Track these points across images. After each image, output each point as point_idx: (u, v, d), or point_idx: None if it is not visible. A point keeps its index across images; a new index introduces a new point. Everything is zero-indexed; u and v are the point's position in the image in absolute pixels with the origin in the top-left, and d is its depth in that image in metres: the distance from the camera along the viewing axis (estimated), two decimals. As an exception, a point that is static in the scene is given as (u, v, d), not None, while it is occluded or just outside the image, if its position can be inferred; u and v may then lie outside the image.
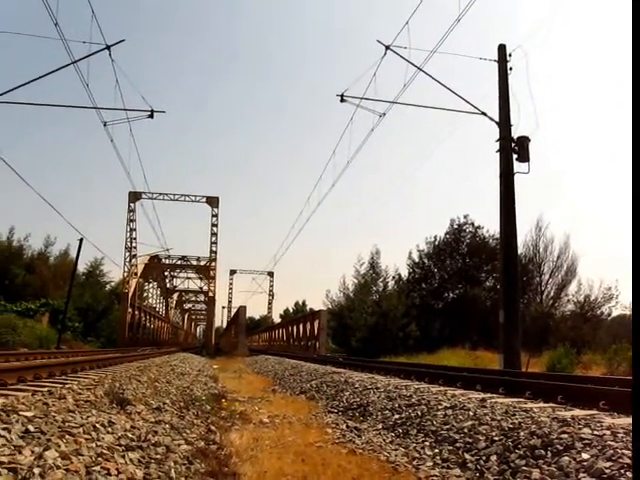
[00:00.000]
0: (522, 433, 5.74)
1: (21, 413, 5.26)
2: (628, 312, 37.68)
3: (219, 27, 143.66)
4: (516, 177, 19.37)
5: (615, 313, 40.09)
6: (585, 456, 4.67)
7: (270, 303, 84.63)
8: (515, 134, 19.61)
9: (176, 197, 52.44)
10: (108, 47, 21.21)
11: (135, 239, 51.10)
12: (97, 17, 19.63)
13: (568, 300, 41.61)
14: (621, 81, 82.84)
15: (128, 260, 50.52)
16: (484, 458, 5.62)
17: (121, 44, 21.72)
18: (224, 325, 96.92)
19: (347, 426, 8.41)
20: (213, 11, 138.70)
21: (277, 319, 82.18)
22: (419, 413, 8.01)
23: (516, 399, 8.16)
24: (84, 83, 21.61)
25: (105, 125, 24.99)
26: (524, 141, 19.39)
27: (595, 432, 5.16)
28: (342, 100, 21.29)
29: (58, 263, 53.85)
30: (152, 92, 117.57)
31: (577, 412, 6.60)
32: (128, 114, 24.73)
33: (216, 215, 53.97)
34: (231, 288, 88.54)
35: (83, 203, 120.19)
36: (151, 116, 24.74)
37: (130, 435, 5.67)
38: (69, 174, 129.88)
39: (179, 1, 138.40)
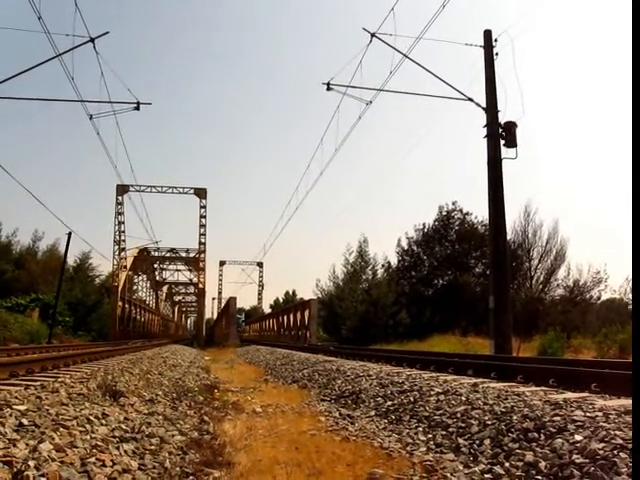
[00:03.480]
0: (515, 417, 5.76)
1: (14, 407, 5.26)
2: (617, 296, 37.93)
3: (203, 17, 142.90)
4: (504, 162, 19.43)
5: (604, 297, 40.28)
6: (578, 438, 4.69)
7: (260, 293, 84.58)
8: (502, 120, 19.67)
9: (164, 189, 52.27)
10: (92, 40, 21.15)
11: (124, 232, 50.91)
12: (81, 10, 19.54)
13: (557, 285, 41.73)
14: (605, 66, 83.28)
15: (117, 253, 50.33)
16: (477, 442, 5.63)
17: (106, 36, 21.67)
18: (214, 316, 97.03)
19: (340, 414, 8.42)
20: (197, 1, 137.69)
21: (267, 309, 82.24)
22: (411, 399, 8.02)
23: (508, 383, 8.17)
24: (69, 76, 21.54)
25: (91, 118, 24.95)
26: (511, 126, 19.44)
27: (587, 414, 5.19)
28: (328, 88, 21.28)
29: (47, 258, 53.47)
30: (138, 84, 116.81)
31: (569, 395, 6.64)
32: (114, 106, 24.68)
33: (204, 206, 53.77)
34: (221, 279, 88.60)
35: (71, 197, 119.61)
36: (137, 108, 24.72)
37: (124, 427, 5.67)
38: (56, 168, 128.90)
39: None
